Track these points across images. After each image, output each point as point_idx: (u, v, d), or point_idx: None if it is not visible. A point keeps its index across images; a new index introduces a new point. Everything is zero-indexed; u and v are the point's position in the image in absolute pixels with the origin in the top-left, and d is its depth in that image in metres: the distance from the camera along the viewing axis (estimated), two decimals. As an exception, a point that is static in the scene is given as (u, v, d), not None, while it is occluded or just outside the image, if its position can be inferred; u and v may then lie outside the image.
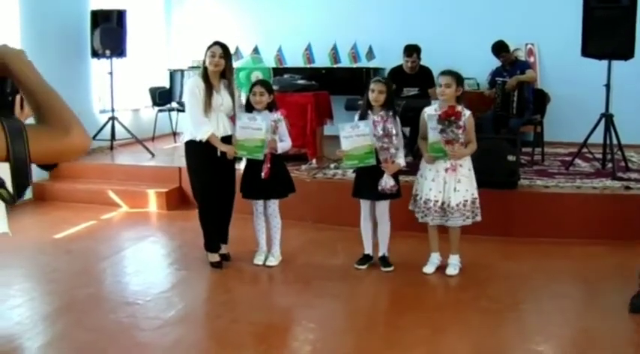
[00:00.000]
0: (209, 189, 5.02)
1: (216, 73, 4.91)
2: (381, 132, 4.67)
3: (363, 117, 4.87)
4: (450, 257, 4.97)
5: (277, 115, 4.93)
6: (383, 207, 4.97)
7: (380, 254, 5.07)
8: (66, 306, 4.37)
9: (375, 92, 4.80)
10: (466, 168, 4.80)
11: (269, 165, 4.90)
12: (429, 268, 4.97)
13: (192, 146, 4.94)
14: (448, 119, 4.60)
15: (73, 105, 1.53)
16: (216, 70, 4.88)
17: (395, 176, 4.82)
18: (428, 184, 4.82)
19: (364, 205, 5.04)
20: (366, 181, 4.89)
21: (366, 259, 5.11)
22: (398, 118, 4.86)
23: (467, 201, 4.79)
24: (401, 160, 4.82)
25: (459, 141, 4.66)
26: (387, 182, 4.74)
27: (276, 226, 5.14)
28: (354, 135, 4.76)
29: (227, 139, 4.94)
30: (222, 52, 4.88)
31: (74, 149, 1.48)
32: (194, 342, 3.90)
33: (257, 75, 7.15)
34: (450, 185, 4.76)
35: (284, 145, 5.03)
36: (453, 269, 4.93)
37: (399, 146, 4.83)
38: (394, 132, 4.71)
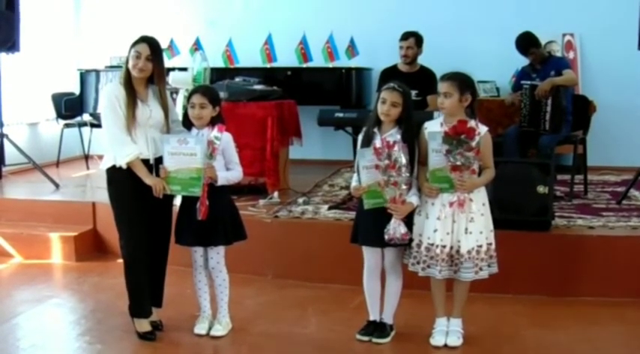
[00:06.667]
0: (140, 233, 5.01)
1: (141, 79, 4.96)
2: (385, 161, 4.65)
3: (368, 137, 4.87)
4: (450, 321, 4.98)
5: (215, 131, 4.95)
6: (393, 256, 4.97)
7: (379, 318, 5.07)
8: None
9: (387, 104, 4.79)
10: (479, 202, 4.83)
11: (207, 202, 4.89)
12: (439, 339, 4.94)
13: (116, 174, 4.94)
14: (457, 138, 4.62)
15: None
16: (141, 76, 4.93)
17: (406, 219, 4.81)
18: (432, 224, 4.81)
19: (370, 254, 5.03)
20: (372, 222, 4.86)
21: (371, 327, 5.09)
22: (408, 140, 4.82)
23: (481, 247, 4.80)
24: (414, 199, 4.82)
25: (470, 167, 4.69)
26: (396, 230, 4.73)
27: (221, 283, 5.14)
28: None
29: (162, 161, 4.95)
30: (150, 52, 4.90)
31: None
32: None
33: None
34: (459, 225, 4.77)
35: (231, 175, 5.06)
36: (456, 338, 4.92)
37: (412, 179, 4.83)
38: (404, 161, 4.69)
